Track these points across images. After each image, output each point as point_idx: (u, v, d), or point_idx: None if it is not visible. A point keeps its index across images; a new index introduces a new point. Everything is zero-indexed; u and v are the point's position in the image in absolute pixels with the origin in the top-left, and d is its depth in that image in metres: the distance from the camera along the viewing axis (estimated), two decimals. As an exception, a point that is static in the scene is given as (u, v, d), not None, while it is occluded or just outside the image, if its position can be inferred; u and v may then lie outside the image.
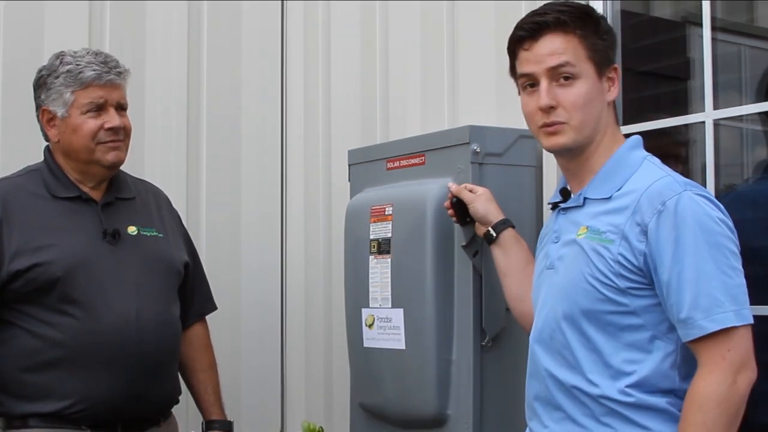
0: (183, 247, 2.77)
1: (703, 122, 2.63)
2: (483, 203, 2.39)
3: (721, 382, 1.77)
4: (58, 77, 2.55)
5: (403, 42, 3.33)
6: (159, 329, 2.55)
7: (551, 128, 1.99)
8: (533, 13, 2.04)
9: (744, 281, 1.83)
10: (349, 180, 3.06)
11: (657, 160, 1.99)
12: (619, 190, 1.92)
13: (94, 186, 2.62)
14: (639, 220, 1.85)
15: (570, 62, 1.96)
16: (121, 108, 2.59)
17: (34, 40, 3.20)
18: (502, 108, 2.90)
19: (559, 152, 2.05)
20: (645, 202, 1.85)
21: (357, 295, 2.85)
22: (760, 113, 2.67)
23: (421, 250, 2.62)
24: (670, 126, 2.77)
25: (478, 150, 2.59)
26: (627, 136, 2.09)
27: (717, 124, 2.63)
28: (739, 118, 2.85)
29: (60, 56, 2.59)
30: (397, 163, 2.84)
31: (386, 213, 2.75)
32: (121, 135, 2.58)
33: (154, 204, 2.76)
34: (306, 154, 3.66)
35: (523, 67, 2.02)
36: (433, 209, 2.60)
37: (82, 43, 3.26)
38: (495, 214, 2.38)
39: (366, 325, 2.80)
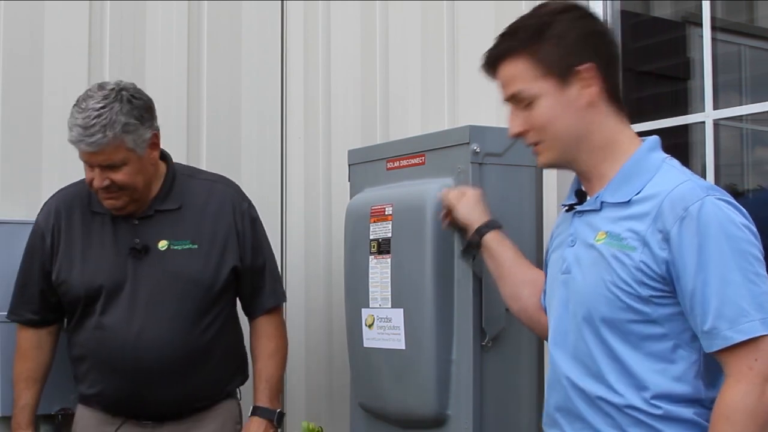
0: (229, 252, 2.80)
1: (703, 122, 2.63)
2: (465, 207, 2.37)
3: (749, 393, 1.72)
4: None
5: (403, 42, 3.33)
6: (160, 347, 2.68)
7: (534, 149, 1.99)
8: (494, 41, 2.01)
9: None
10: (349, 180, 3.06)
11: (677, 162, 1.92)
12: (638, 193, 1.86)
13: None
14: (661, 227, 1.80)
15: (521, 90, 1.93)
16: (110, 167, 2.63)
17: (34, 40, 3.20)
18: (502, 108, 2.88)
19: (552, 168, 2.05)
20: (667, 207, 1.80)
21: (357, 295, 2.85)
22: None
23: (420, 250, 2.62)
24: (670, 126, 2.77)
25: (478, 150, 2.58)
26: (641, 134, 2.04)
27: (717, 124, 2.63)
28: (739, 118, 2.86)
29: (72, 109, 2.66)
30: (397, 163, 2.84)
31: (386, 213, 2.75)
32: (113, 188, 2.66)
33: (202, 210, 2.81)
34: (306, 154, 3.66)
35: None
36: (433, 209, 2.60)
37: (82, 43, 3.28)
38: (478, 218, 2.36)
39: (366, 325, 2.80)
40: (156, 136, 2.74)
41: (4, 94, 3.15)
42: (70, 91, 3.23)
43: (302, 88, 3.68)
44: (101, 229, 2.76)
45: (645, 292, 1.82)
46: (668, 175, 1.86)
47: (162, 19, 3.47)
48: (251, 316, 2.94)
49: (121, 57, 3.34)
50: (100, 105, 2.61)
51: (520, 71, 1.93)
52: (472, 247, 2.38)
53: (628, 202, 1.87)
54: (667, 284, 1.81)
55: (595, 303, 1.87)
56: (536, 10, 1.98)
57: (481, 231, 2.33)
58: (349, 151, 3.10)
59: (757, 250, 1.79)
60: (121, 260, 2.72)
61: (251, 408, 2.88)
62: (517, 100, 1.95)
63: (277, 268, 2.99)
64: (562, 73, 1.90)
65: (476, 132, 2.61)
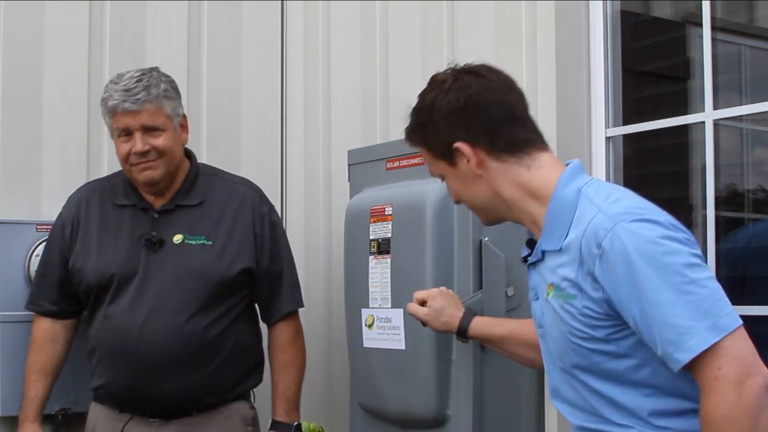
0: (245, 252, 2.80)
1: (703, 122, 2.63)
2: (437, 319, 2.44)
3: (723, 403, 1.67)
4: (101, 105, 2.77)
5: (403, 42, 3.33)
6: (166, 338, 2.68)
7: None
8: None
9: (713, 287, 1.71)
10: (349, 180, 3.06)
11: (593, 188, 1.87)
12: (566, 238, 1.85)
13: (159, 196, 2.81)
14: (587, 270, 1.79)
15: (432, 172, 2.05)
16: (151, 129, 2.71)
17: (34, 40, 3.20)
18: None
19: (497, 224, 2.10)
20: (585, 250, 1.79)
21: (357, 295, 2.85)
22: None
23: (420, 250, 2.62)
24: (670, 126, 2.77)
25: (478, 150, 2.58)
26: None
27: (717, 124, 2.63)
28: (739, 118, 2.85)
29: (106, 85, 2.78)
30: (397, 163, 2.84)
31: (386, 213, 2.75)
32: (152, 155, 2.72)
33: (222, 208, 2.83)
34: (306, 154, 3.66)
35: None
36: (432, 209, 2.60)
37: (82, 43, 3.28)
38: (454, 320, 2.43)
39: (366, 325, 2.80)
40: (185, 119, 2.84)
41: (4, 94, 3.14)
42: (70, 91, 3.25)
43: (302, 88, 3.68)
44: (121, 221, 2.80)
45: (600, 333, 1.81)
46: (582, 211, 1.84)
47: (162, 19, 3.47)
48: (269, 322, 2.93)
49: (121, 57, 3.34)
50: (139, 74, 2.74)
51: (424, 155, 2.05)
52: (464, 341, 2.47)
53: (560, 250, 1.86)
54: (616, 318, 1.79)
55: (564, 355, 1.88)
56: (423, 92, 2.03)
57: (462, 330, 2.41)
58: (349, 151, 3.10)
59: (685, 256, 1.73)
60: (135, 251, 2.75)
61: (270, 422, 2.88)
62: (435, 176, 2.06)
63: (296, 274, 2.98)
64: (445, 155, 1.98)
65: (476, 132, 2.61)
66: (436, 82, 2.00)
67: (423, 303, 2.47)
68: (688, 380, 1.76)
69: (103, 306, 2.75)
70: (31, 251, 3.03)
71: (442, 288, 2.48)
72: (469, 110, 1.93)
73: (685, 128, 2.83)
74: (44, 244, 2.97)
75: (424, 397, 2.62)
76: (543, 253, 1.90)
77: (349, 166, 3.08)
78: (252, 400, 2.91)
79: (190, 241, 2.77)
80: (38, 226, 3.06)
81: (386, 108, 3.38)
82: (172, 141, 2.75)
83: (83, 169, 3.25)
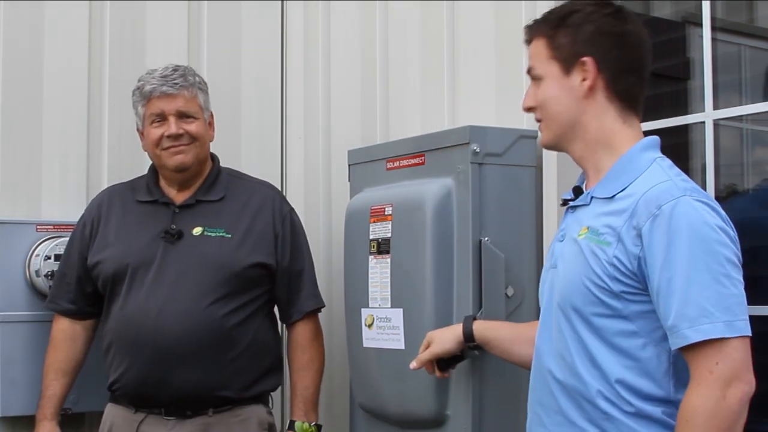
0: (263, 248, 2.83)
1: (703, 122, 2.63)
2: (440, 342, 2.42)
3: (708, 397, 1.73)
4: (134, 94, 2.87)
5: (403, 42, 3.33)
6: (180, 324, 2.69)
7: (538, 127, 2.08)
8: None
9: (742, 292, 1.78)
10: (349, 180, 3.06)
11: (667, 163, 1.95)
12: (622, 191, 1.90)
13: (183, 190, 2.87)
14: (635, 224, 1.83)
15: (533, 67, 2.03)
16: (184, 116, 2.81)
17: (34, 40, 3.20)
18: (502, 108, 2.90)
19: (550, 149, 2.13)
20: (642, 205, 1.83)
21: (356, 295, 2.85)
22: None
23: (420, 250, 2.62)
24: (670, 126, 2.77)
25: (478, 150, 2.59)
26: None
27: (717, 124, 2.63)
28: (739, 118, 2.85)
29: (141, 76, 2.89)
30: (397, 163, 2.84)
31: (386, 213, 2.75)
32: (185, 140, 2.81)
33: (243, 205, 2.87)
34: (306, 154, 3.66)
35: None
36: (432, 209, 2.60)
37: (82, 43, 3.28)
38: (456, 330, 2.41)
39: (365, 325, 2.80)
40: (213, 118, 2.92)
41: (4, 94, 3.14)
42: (71, 91, 3.25)
43: (302, 88, 3.68)
44: (141, 215, 2.85)
45: (616, 287, 1.85)
46: (652, 175, 1.90)
47: (162, 19, 3.47)
48: (288, 320, 2.94)
49: (121, 57, 3.34)
50: (173, 65, 2.87)
51: (538, 51, 2.03)
52: (472, 349, 2.43)
53: (611, 198, 1.91)
54: (638, 281, 1.84)
55: (570, 295, 1.91)
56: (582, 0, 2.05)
57: (468, 334, 2.37)
58: (349, 151, 3.10)
59: (731, 253, 1.79)
60: (153, 242, 2.78)
61: (288, 422, 2.89)
62: (531, 77, 2.05)
63: (315, 275, 3.00)
64: (567, 60, 1.98)
65: (476, 132, 2.61)
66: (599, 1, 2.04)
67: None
68: (668, 373, 1.83)
69: (119, 297, 2.77)
70: (31, 251, 3.04)
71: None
72: (617, 41, 1.98)
73: (685, 128, 2.83)
74: (44, 243, 2.99)
75: (423, 397, 2.62)
76: (591, 198, 1.96)
77: (349, 166, 3.08)
78: (270, 405, 2.91)
79: (209, 233, 2.80)
80: (38, 226, 3.07)
81: (386, 108, 3.38)
82: (204, 130, 2.85)
83: (83, 169, 3.25)
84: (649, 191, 1.85)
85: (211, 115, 2.93)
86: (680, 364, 1.84)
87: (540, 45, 2.02)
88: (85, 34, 3.30)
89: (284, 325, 3.02)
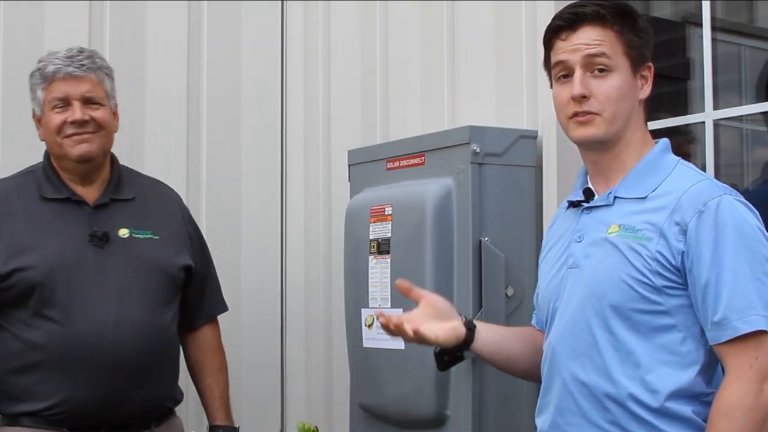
0: (185, 250, 2.70)
1: (703, 122, 2.63)
2: (430, 329, 2.11)
3: (747, 390, 1.76)
4: (33, 76, 2.61)
5: (403, 42, 3.33)
6: (139, 335, 2.51)
7: (583, 118, 1.96)
8: (572, 5, 2.01)
9: None
10: (349, 180, 3.06)
11: (691, 165, 2.00)
12: (654, 190, 1.92)
13: (87, 185, 2.61)
14: (678, 220, 1.85)
15: (606, 54, 1.95)
16: (90, 101, 2.56)
17: (34, 40, 3.19)
18: (502, 108, 2.90)
19: (588, 145, 2.00)
20: (686, 202, 1.85)
21: (357, 295, 2.85)
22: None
23: (420, 250, 2.62)
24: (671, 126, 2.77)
25: (478, 150, 2.59)
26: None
27: (717, 124, 2.63)
28: (739, 118, 2.86)
29: (42, 57, 2.62)
30: (397, 163, 2.84)
31: (386, 213, 2.75)
32: (90, 128, 2.54)
33: (157, 205, 2.72)
34: (306, 154, 3.66)
35: (558, 56, 1.99)
36: (432, 209, 2.60)
37: (82, 43, 3.25)
38: (453, 330, 2.13)
39: (366, 325, 2.80)
40: (117, 108, 2.68)
41: (4, 94, 3.15)
42: (70, 91, 3.24)
43: (302, 89, 3.68)
44: (53, 216, 2.56)
45: (659, 282, 1.86)
46: (685, 175, 1.93)
47: (162, 19, 3.47)
48: (194, 323, 2.78)
49: (121, 57, 3.34)
50: (78, 47, 2.61)
51: (607, 38, 1.96)
52: (460, 350, 2.18)
53: (644, 198, 1.92)
54: (680, 275, 1.85)
55: (606, 293, 1.90)
56: (606, 2, 2.00)
57: (469, 323, 2.16)
58: (349, 151, 3.10)
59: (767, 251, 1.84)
60: (80, 248, 2.52)
61: (208, 427, 2.76)
62: (594, 64, 1.96)
63: (218, 277, 2.88)
64: (638, 61, 1.98)
65: (476, 132, 2.61)
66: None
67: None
68: (702, 369, 1.85)
69: (53, 310, 2.46)
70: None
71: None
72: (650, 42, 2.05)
73: (685, 128, 2.83)
74: None
75: (423, 397, 2.62)
76: (614, 199, 1.96)
77: (349, 166, 3.08)
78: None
79: (137, 236, 2.59)
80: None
81: (386, 109, 3.38)
82: (110, 118, 2.60)
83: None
84: (692, 188, 1.87)
85: (116, 105, 2.67)
86: (712, 361, 1.86)
87: (608, 34, 1.95)
88: (85, 34, 3.29)
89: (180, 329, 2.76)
